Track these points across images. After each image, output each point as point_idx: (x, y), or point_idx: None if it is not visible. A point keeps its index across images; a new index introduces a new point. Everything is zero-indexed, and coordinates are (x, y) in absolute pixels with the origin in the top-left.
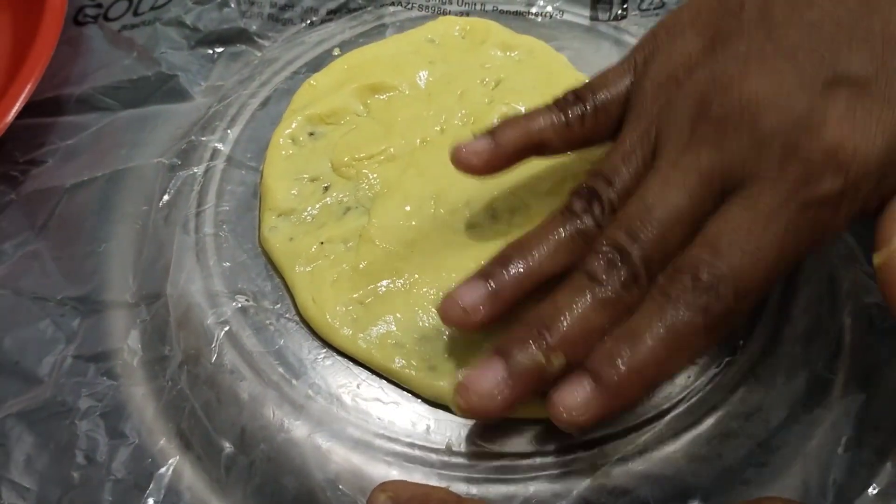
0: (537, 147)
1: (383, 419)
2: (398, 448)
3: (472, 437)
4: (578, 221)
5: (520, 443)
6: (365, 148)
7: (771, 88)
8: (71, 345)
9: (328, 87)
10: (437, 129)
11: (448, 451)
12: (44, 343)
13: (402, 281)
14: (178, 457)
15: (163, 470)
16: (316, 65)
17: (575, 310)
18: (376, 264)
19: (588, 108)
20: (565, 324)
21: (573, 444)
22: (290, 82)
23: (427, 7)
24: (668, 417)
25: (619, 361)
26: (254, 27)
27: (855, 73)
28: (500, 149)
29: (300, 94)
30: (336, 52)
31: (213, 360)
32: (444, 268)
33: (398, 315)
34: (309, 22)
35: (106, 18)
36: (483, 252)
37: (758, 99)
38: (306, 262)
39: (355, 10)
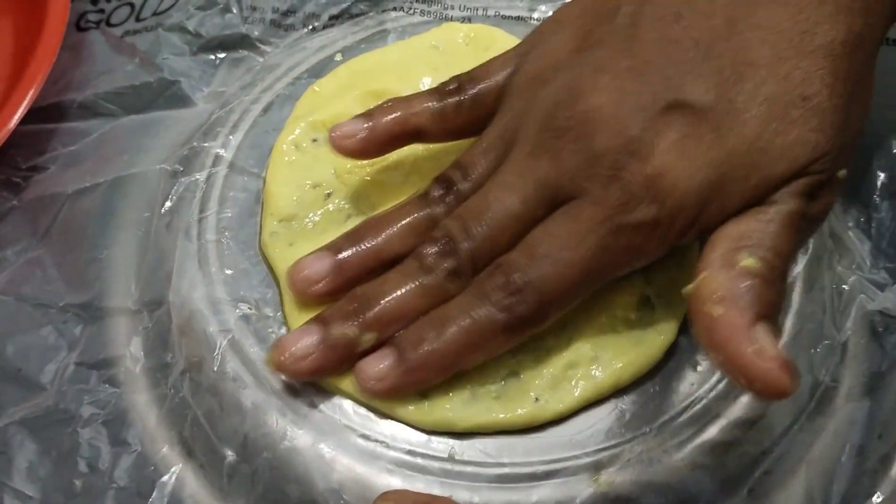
0: (413, 135)
1: (385, 427)
2: (400, 456)
3: (474, 445)
4: (431, 208)
5: (522, 451)
6: None
7: (612, 107)
8: (73, 352)
9: (331, 93)
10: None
11: (450, 459)
12: (46, 350)
13: None
14: (180, 465)
15: (165, 478)
16: (318, 70)
17: (397, 292)
18: None
19: (466, 97)
20: (385, 304)
21: (576, 453)
22: (291, 88)
23: (429, 13)
24: (671, 426)
25: (422, 343)
26: (256, 33)
27: (694, 100)
28: (374, 134)
29: (303, 101)
30: (338, 57)
31: (215, 368)
32: None
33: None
34: (311, 27)
35: (108, 24)
36: None
37: (598, 116)
38: None
39: (357, 15)
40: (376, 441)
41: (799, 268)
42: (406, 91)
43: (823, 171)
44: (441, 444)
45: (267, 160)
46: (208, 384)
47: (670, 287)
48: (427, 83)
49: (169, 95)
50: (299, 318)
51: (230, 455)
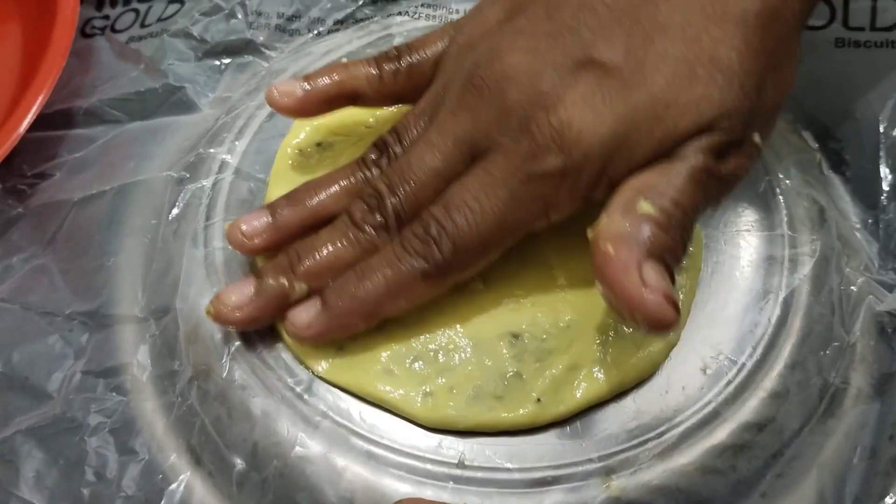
0: (350, 97)
1: (395, 434)
2: (410, 463)
3: (484, 451)
4: (366, 171)
5: (533, 456)
6: None
7: (526, 64)
8: (80, 360)
9: None
10: None
11: (461, 465)
12: (52, 358)
13: None
14: (189, 473)
15: (174, 486)
16: None
17: (328, 246)
18: None
19: (403, 64)
20: (315, 257)
21: (586, 458)
22: None
23: (434, 17)
24: (680, 429)
25: (345, 292)
26: (261, 38)
27: (605, 58)
28: (312, 93)
29: None
30: (344, 62)
31: (223, 376)
32: None
33: (388, 339)
34: (316, 32)
35: (113, 30)
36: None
37: (512, 73)
38: None
39: (362, 20)
40: (386, 448)
41: (806, 270)
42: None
43: (730, 129)
44: (451, 451)
45: (272, 165)
46: (216, 392)
47: (674, 289)
48: None
49: (174, 101)
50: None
51: (239, 463)
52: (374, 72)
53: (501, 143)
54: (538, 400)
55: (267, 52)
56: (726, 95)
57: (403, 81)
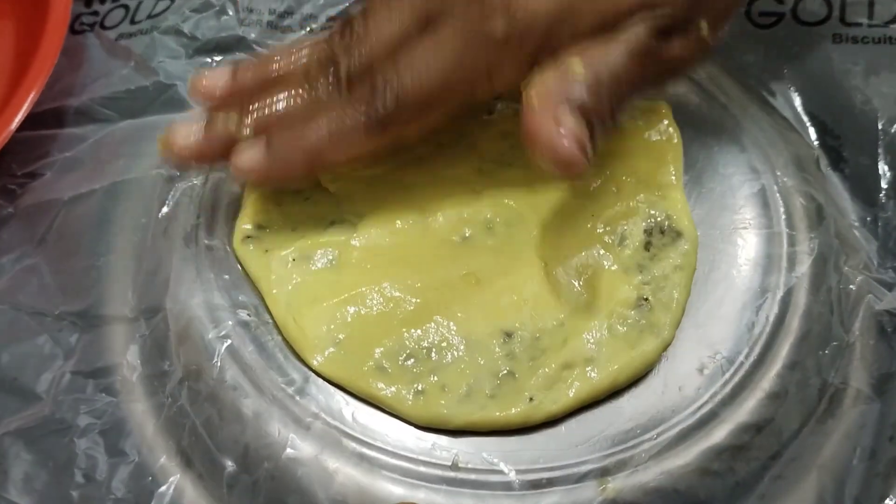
0: None
1: (388, 435)
2: (403, 465)
3: (479, 453)
4: (329, 42)
5: (527, 458)
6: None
7: None
8: (69, 360)
9: None
10: (435, 140)
11: (454, 467)
12: (42, 359)
13: (385, 298)
14: (178, 475)
15: (163, 488)
16: None
17: (278, 98)
18: (361, 281)
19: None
20: (266, 107)
21: (582, 460)
22: None
23: None
24: (677, 430)
25: (288, 137)
26: (252, 35)
27: None
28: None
29: None
30: None
31: (214, 376)
32: (432, 285)
33: (382, 336)
34: (308, 29)
35: (102, 27)
36: (475, 267)
37: None
38: (284, 277)
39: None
40: (378, 449)
41: (804, 268)
42: None
43: (673, 8)
44: (444, 453)
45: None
46: (207, 392)
47: (668, 287)
48: None
49: (165, 99)
50: (290, 321)
51: (230, 465)
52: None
53: (453, 8)
54: (531, 399)
55: (258, 48)
56: None
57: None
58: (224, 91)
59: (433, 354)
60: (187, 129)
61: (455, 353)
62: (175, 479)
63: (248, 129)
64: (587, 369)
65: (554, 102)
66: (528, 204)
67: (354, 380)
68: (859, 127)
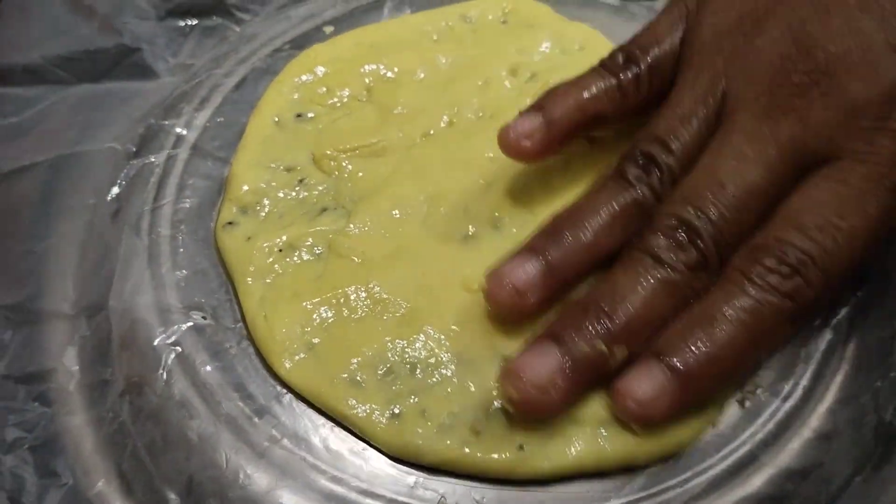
0: (592, 120)
1: (362, 469)
2: None
3: (469, 495)
4: (635, 191)
5: (530, 500)
6: (353, 139)
7: (858, 51)
8: (0, 362)
9: (330, 61)
10: (445, 121)
11: None
12: None
13: (372, 300)
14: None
15: None
16: (301, 43)
17: (638, 293)
18: (347, 278)
19: (642, 68)
20: (629, 309)
21: None
22: (270, 61)
23: None
24: (707, 475)
25: (695, 348)
26: None
27: None
28: (554, 127)
29: (297, 63)
30: (328, 29)
31: (159, 391)
32: (427, 286)
33: (362, 344)
34: None
35: None
36: (476, 268)
37: (845, 64)
38: (263, 269)
39: None
40: (350, 487)
41: (863, 290)
42: (418, 68)
43: None
44: (429, 493)
45: (236, 143)
46: (150, 409)
47: None
48: (445, 60)
49: (128, 64)
50: (260, 318)
51: (173, 498)
52: (611, 83)
53: (853, 147)
54: (521, 447)
55: (239, 14)
56: None
57: (646, 89)
58: (542, 294)
59: (417, 372)
60: (541, 366)
61: (442, 374)
62: None
63: (619, 351)
64: (599, 431)
65: None
66: (543, 204)
67: (324, 393)
68: None
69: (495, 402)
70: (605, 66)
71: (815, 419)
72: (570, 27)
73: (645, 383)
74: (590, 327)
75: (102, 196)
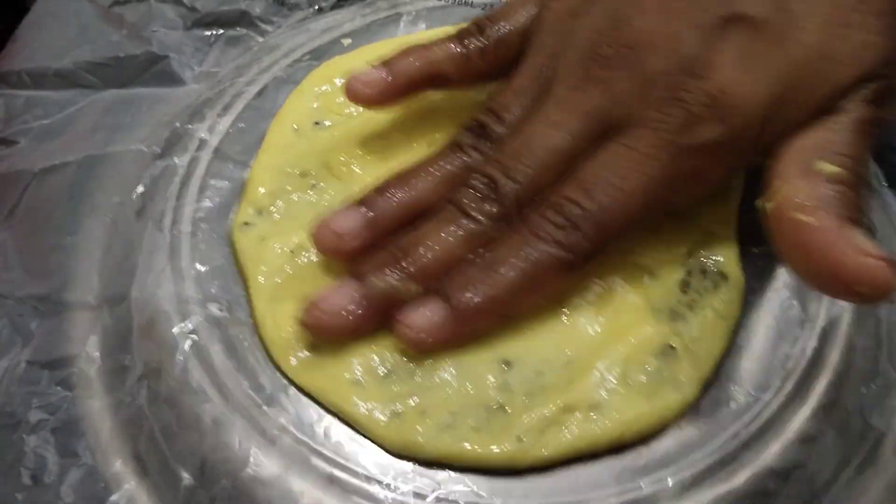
0: (434, 79)
1: (364, 457)
2: (379, 491)
3: (464, 482)
4: (465, 156)
5: (520, 492)
6: (366, 145)
7: (663, 27)
8: (26, 348)
9: (349, 72)
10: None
11: (436, 498)
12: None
13: None
14: (133, 483)
15: (115, 496)
16: (321, 54)
17: (438, 240)
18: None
19: (489, 39)
20: (426, 254)
21: (583, 498)
22: (290, 71)
23: None
24: (691, 471)
25: (475, 288)
26: (256, 10)
27: (751, 12)
28: (395, 80)
29: (317, 73)
30: (346, 42)
31: (176, 376)
32: None
33: (364, 345)
34: (317, 7)
35: None
36: None
37: (649, 39)
38: (274, 269)
39: None
40: (351, 472)
41: None
42: None
43: (889, 75)
44: (425, 479)
45: (256, 148)
46: (167, 394)
47: (703, 338)
48: None
49: (156, 72)
50: (269, 316)
51: (187, 478)
52: (457, 50)
53: (645, 115)
54: (519, 439)
55: (262, 25)
56: (884, 40)
57: (490, 58)
58: (363, 239)
59: (418, 374)
60: (339, 296)
61: (442, 376)
62: (129, 488)
63: (413, 287)
64: (591, 415)
65: (830, 217)
66: None
67: (328, 391)
68: None
69: (492, 402)
70: (459, 34)
71: (798, 422)
72: None
73: (421, 314)
74: (389, 267)
75: (128, 195)
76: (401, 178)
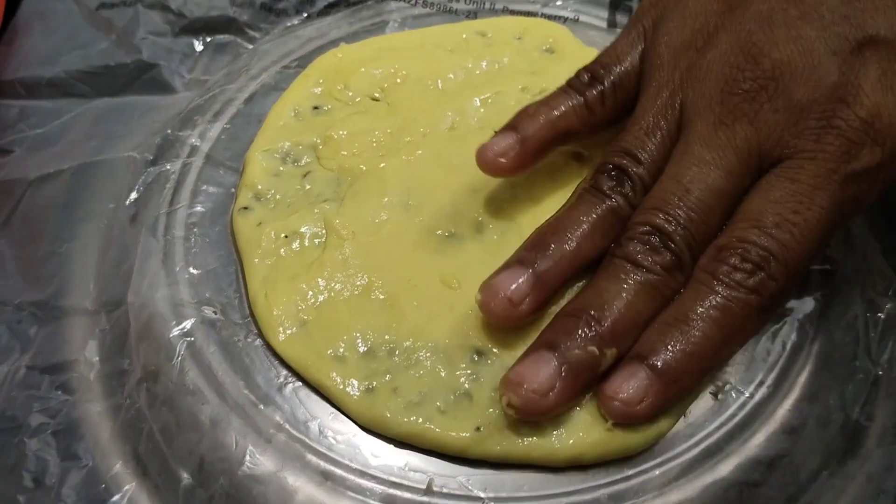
0: (563, 136)
1: (357, 453)
2: (372, 486)
3: (456, 477)
4: (610, 200)
5: (510, 485)
6: (360, 133)
7: (801, 56)
8: (26, 354)
9: (352, 64)
10: (447, 126)
11: (429, 491)
12: None
13: (359, 283)
14: (133, 484)
15: (116, 497)
16: (309, 60)
17: (622, 297)
18: (340, 265)
19: (606, 85)
20: (615, 312)
21: (573, 489)
22: (278, 77)
23: (432, 4)
24: (679, 461)
25: (674, 346)
26: (244, 17)
27: (884, 34)
28: (528, 144)
29: (321, 62)
30: (340, 55)
31: (173, 378)
32: (405, 279)
33: (348, 324)
34: (305, 15)
35: None
36: (457, 268)
37: (789, 69)
38: (269, 252)
39: (355, 4)
40: (345, 468)
41: (829, 293)
42: (432, 77)
43: None
44: (418, 474)
45: (245, 154)
46: (165, 396)
47: None
48: (459, 72)
49: (147, 80)
50: (261, 295)
51: (186, 478)
52: (579, 101)
53: (801, 146)
54: (477, 429)
55: (250, 32)
56: None
57: (611, 105)
58: (534, 302)
59: (396, 354)
60: (538, 374)
61: (417, 358)
62: (130, 489)
63: (610, 352)
64: (554, 431)
65: None
66: (525, 213)
67: (309, 365)
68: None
69: (460, 388)
70: (572, 85)
71: (782, 413)
72: (586, 53)
73: (629, 383)
74: (581, 332)
75: (122, 201)
76: (554, 231)
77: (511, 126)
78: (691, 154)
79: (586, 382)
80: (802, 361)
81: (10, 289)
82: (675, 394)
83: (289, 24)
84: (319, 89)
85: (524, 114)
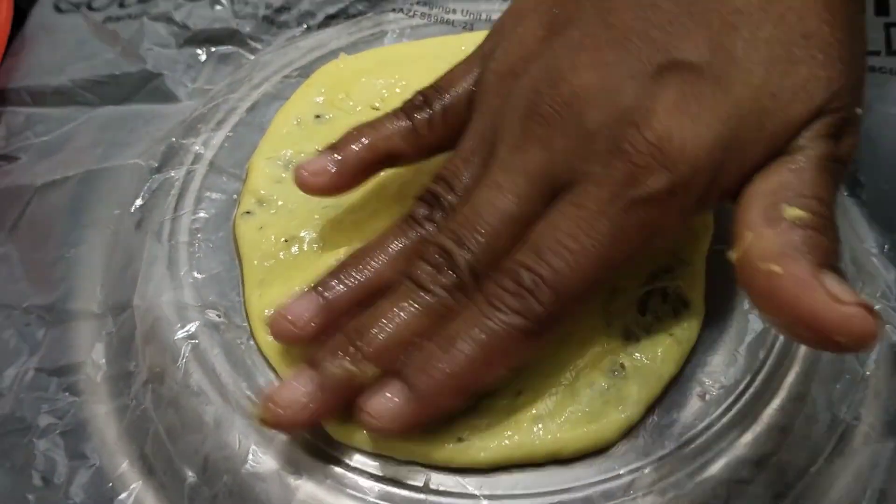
0: (386, 157)
1: (356, 452)
2: (370, 484)
3: (453, 476)
4: (420, 228)
5: (507, 483)
6: None
7: (598, 80)
8: (34, 356)
9: (353, 74)
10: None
11: (426, 489)
12: (7, 354)
13: None
14: (140, 483)
15: (123, 496)
16: (309, 70)
17: (394, 318)
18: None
19: (436, 109)
20: (382, 333)
21: (566, 487)
22: (279, 86)
23: (430, 16)
24: (669, 460)
25: (433, 368)
26: (247, 29)
27: (688, 57)
28: (345, 166)
29: (323, 72)
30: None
31: (178, 380)
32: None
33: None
34: (305, 26)
35: (90, 8)
36: None
37: (584, 94)
38: (268, 255)
39: (355, 15)
40: (346, 467)
41: None
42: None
43: (842, 107)
44: (416, 473)
45: (248, 161)
46: (170, 397)
47: (654, 360)
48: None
49: (150, 89)
50: (255, 296)
51: (190, 476)
52: (405, 124)
53: (589, 171)
54: (459, 439)
55: (252, 43)
56: (831, 73)
57: (440, 129)
58: (318, 325)
59: None
60: (293, 389)
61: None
62: (136, 487)
63: (369, 369)
64: (533, 429)
65: (799, 264)
66: None
67: (289, 367)
68: (877, 152)
69: None
70: (404, 108)
71: (769, 413)
72: None
73: (381, 399)
74: (344, 350)
75: (127, 207)
76: (356, 258)
77: (332, 146)
78: (488, 178)
79: (345, 396)
80: (790, 362)
81: (19, 293)
82: (428, 411)
83: (290, 35)
84: (321, 98)
85: (349, 134)
